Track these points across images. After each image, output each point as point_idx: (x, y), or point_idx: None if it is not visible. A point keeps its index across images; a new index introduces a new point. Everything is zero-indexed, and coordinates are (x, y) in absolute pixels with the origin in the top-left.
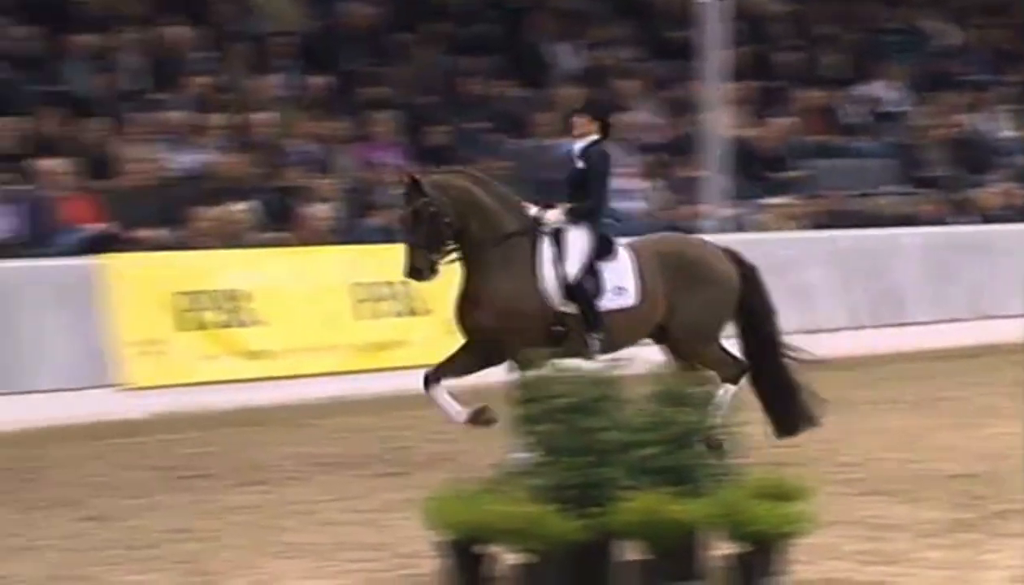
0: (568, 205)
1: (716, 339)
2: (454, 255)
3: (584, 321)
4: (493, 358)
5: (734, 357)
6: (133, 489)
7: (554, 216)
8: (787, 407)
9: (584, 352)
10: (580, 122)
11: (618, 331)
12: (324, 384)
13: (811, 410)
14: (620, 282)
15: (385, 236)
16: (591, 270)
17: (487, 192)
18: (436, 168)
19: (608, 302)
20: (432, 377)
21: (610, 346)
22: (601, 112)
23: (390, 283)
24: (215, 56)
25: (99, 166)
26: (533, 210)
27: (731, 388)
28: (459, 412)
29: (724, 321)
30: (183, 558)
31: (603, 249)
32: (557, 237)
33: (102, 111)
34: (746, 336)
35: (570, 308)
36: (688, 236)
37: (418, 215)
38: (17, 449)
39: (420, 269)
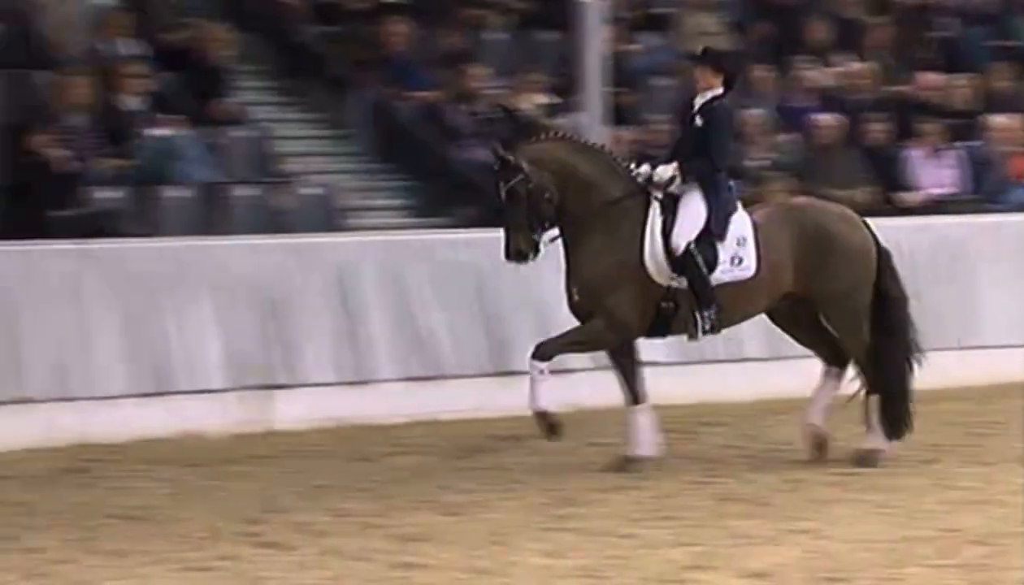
0: (683, 163)
1: (861, 313)
2: (555, 231)
3: (695, 297)
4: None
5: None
6: None
7: (667, 172)
8: (901, 404)
9: (693, 331)
10: (703, 75)
11: (732, 305)
12: None
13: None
14: (738, 252)
15: None
16: (707, 239)
17: (587, 159)
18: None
19: (723, 274)
20: (539, 353)
21: (723, 322)
22: (726, 64)
23: None
24: None
25: None
26: (643, 170)
27: (836, 380)
28: (541, 400)
29: (867, 295)
30: None
31: (720, 216)
32: (671, 204)
33: None
34: (873, 324)
35: (681, 282)
36: (826, 202)
37: (515, 194)
38: (968, 404)
39: (523, 251)
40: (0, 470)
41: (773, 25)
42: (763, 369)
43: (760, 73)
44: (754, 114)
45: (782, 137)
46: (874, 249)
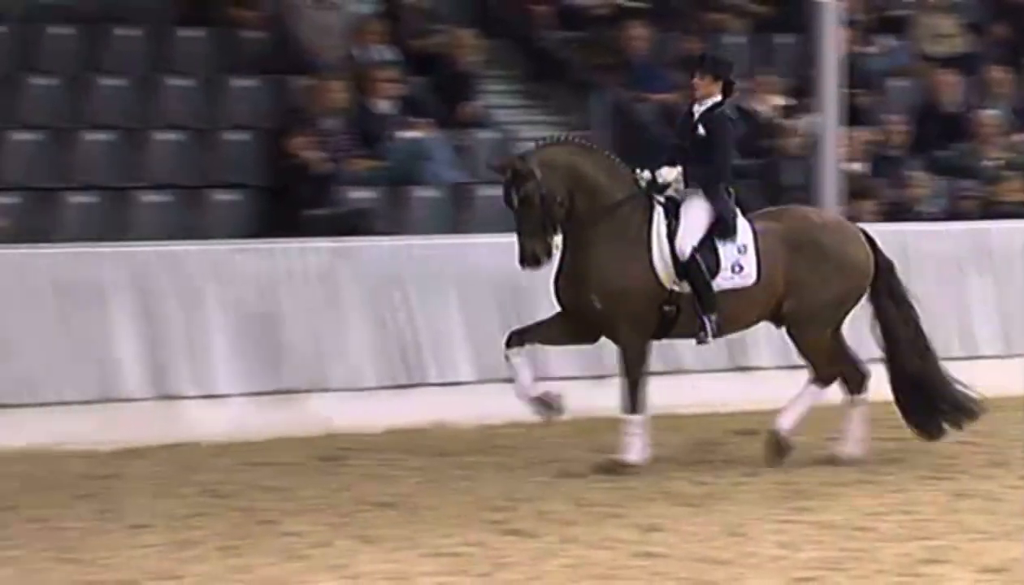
0: (687, 168)
1: (830, 327)
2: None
3: (698, 301)
4: (586, 336)
5: (855, 361)
6: None
7: (672, 174)
8: (929, 408)
9: (698, 335)
10: (702, 83)
11: (733, 312)
12: None
13: (965, 404)
14: (739, 259)
15: None
16: (709, 245)
17: (593, 162)
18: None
19: (725, 281)
20: (515, 338)
21: (724, 328)
22: (724, 71)
23: None
24: None
25: None
26: (646, 174)
27: (816, 390)
28: (528, 388)
29: (846, 310)
30: None
31: (723, 223)
32: (673, 208)
33: None
34: (883, 332)
35: (683, 287)
36: (823, 212)
37: (529, 201)
38: None
39: (538, 256)
40: (259, 457)
41: (1010, 26)
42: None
43: (997, 74)
44: (990, 114)
45: (1017, 137)
46: (871, 260)
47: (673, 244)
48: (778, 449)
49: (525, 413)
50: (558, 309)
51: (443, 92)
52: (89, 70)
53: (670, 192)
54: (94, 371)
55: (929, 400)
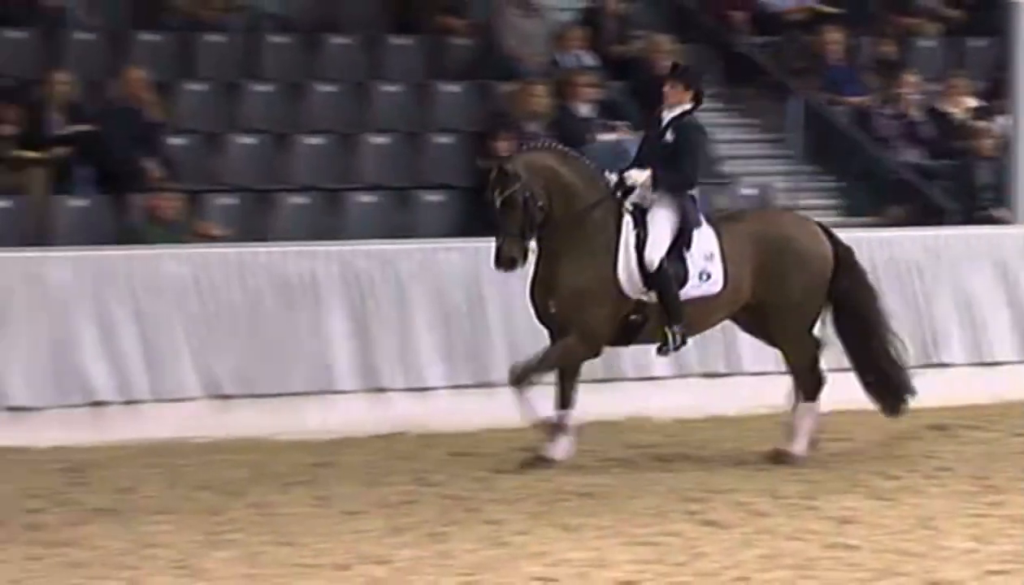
0: (655, 172)
1: (807, 323)
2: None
3: (665, 312)
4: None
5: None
6: None
7: (641, 177)
8: (888, 386)
9: (663, 346)
10: (673, 92)
11: (698, 318)
12: None
13: (909, 384)
14: (707, 267)
15: None
16: (676, 255)
17: (571, 168)
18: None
19: (693, 289)
20: (514, 380)
21: (689, 335)
22: (695, 81)
23: None
24: None
25: None
26: (613, 177)
27: (811, 407)
28: (530, 413)
29: (819, 307)
30: None
31: (688, 231)
32: (640, 216)
33: None
34: (841, 320)
35: (651, 297)
36: (783, 212)
37: (512, 202)
38: None
39: (514, 259)
40: (465, 448)
41: None
42: None
43: None
44: None
45: None
46: (830, 256)
47: (642, 254)
48: (782, 460)
49: (723, 408)
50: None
51: (640, 95)
52: (306, 77)
53: (635, 197)
54: (309, 365)
55: (888, 378)
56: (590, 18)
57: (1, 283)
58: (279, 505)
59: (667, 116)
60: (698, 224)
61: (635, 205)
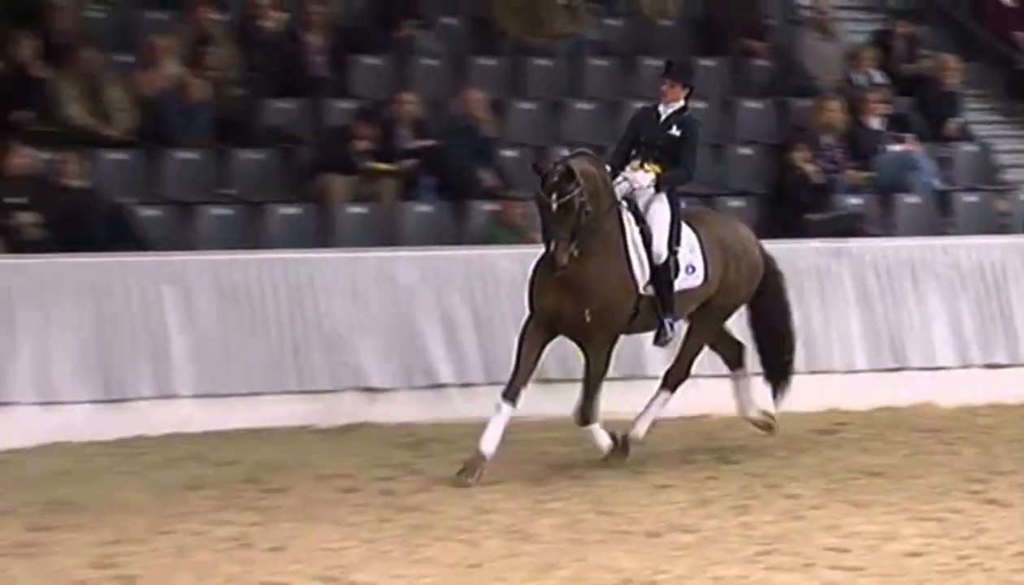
0: (659, 170)
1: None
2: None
3: (661, 303)
4: (547, 343)
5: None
6: None
7: (646, 179)
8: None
9: (658, 336)
10: (672, 89)
11: (680, 311)
12: None
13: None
14: (692, 260)
15: None
16: (670, 248)
17: (604, 174)
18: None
19: (682, 282)
20: (583, 421)
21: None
22: (690, 78)
23: None
24: None
25: None
26: (620, 176)
27: (667, 397)
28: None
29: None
30: None
31: (678, 224)
32: (637, 210)
33: None
34: (759, 321)
35: (648, 290)
36: (732, 218)
37: (570, 206)
38: None
39: (564, 264)
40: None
41: None
42: None
43: None
44: None
45: None
46: (762, 263)
47: (649, 249)
48: (624, 450)
49: (1007, 397)
50: (540, 321)
51: (928, 110)
52: (623, 96)
53: (631, 194)
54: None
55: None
56: (881, 40)
57: (358, 280)
58: (598, 478)
59: (665, 111)
60: (683, 219)
61: (629, 200)
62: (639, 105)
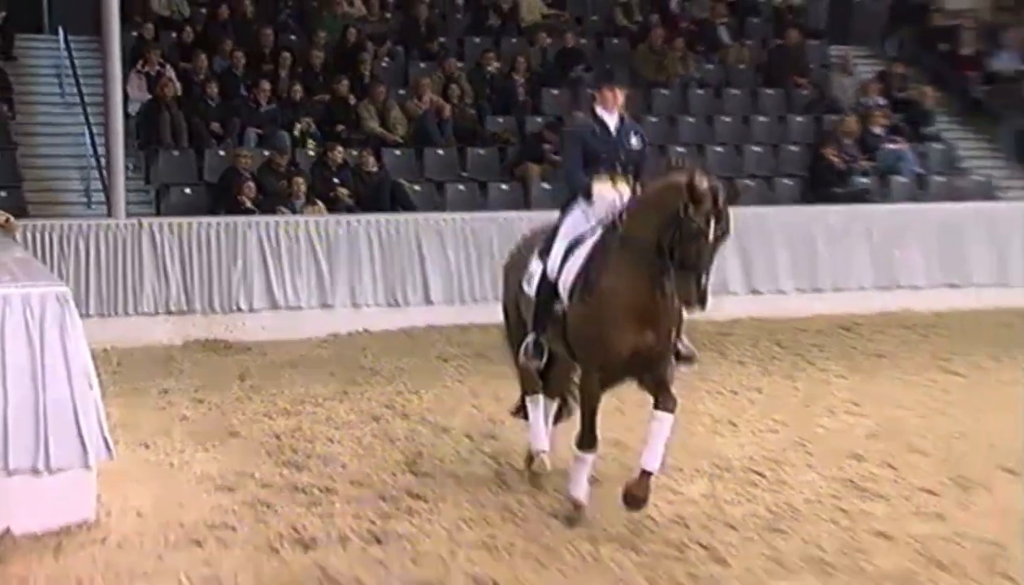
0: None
1: None
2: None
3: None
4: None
5: None
6: None
7: (620, 196)
8: None
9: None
10: (618, 94)
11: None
12: None
13: None
14: None
15: None
16: None
17: None
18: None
19: None
20: (583, 446)
21: None
22: (627, 87)
23: None
24: None
25: None
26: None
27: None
28: (579, 491)
29: None
30: None
31: None
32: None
33: None
34: None
35: None
36: None
37: (724, 238)
38: None
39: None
40: None
41: None
42: None
43: None
44: None
45: None
46: None
47: None
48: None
49: (961, 306)
50: (612, 361)
51: (912, 122)
52: (714, 112)
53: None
54: None
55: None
56: (882, 76)
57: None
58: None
59: (612, 121)
60: None
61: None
62: (580, 118)
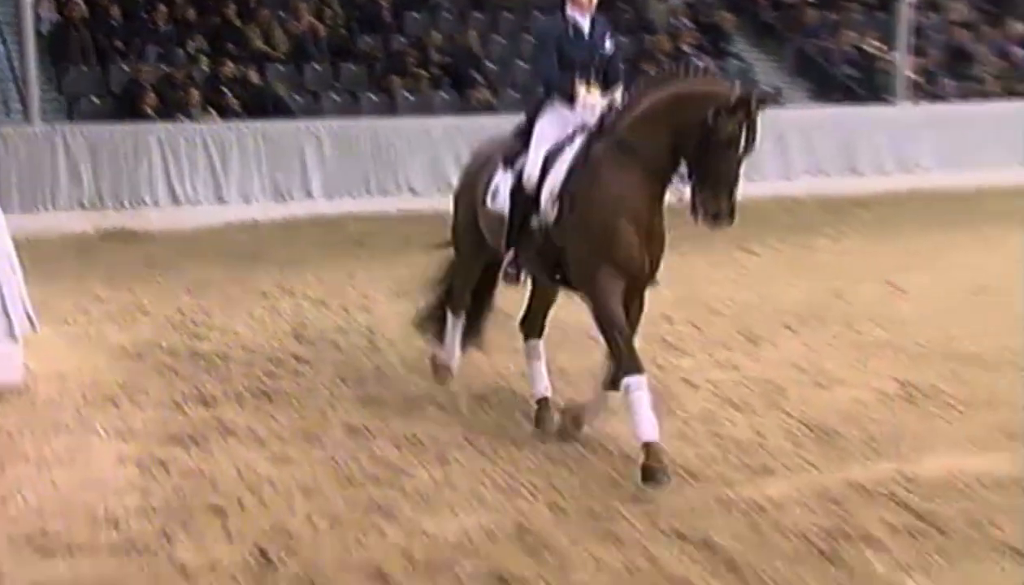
0: (599, 91)
1: None
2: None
3: None
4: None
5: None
6: None
7: (601, 102)
8: None
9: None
10: None
11: None
12: None
13: None
14: None
15: None
16: None
17: None
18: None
19: None
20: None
21: None
22: None
23: None
24: None
25: None
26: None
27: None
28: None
29: None
30: None
31: None
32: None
33: None
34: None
35: None
36: None
37: (753, 149)
38: None
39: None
40: None
41: None
42: None
43: None
44: None
45: None
46: None
47: None
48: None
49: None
50: (624, 280)
51: (714, 42)
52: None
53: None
54: None
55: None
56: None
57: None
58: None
59: (584, 24)
60: None
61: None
62: (548, 20)
